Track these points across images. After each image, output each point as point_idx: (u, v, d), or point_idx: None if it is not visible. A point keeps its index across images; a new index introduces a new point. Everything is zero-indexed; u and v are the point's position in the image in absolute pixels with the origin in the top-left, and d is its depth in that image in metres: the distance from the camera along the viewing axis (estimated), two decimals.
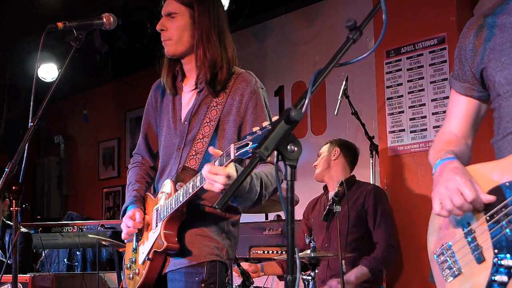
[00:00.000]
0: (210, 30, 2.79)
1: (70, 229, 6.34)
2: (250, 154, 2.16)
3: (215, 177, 2.33)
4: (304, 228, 4.86)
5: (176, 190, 2.69)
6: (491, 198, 1.90)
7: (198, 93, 2.85)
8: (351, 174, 4.83)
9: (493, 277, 1.88)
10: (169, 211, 2.68)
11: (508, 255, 1.86)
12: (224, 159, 2.31)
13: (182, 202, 2.60)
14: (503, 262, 1.87)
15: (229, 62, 2.81)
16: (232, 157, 2.25)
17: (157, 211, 2.81)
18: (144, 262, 2.81)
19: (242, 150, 2.18)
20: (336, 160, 4.79)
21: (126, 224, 2.86)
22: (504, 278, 1.86)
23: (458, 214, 1.96)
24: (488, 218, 1.92)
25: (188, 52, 2.84)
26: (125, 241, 3.06)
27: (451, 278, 2.05)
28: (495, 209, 1.90)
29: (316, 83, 1.61)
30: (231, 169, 2.34)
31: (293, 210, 1.56)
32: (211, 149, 2.42)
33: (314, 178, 4.85)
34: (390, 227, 4.61)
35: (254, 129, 2.17)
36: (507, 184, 1.89)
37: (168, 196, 2.74)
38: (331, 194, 4.73)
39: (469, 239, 1.98)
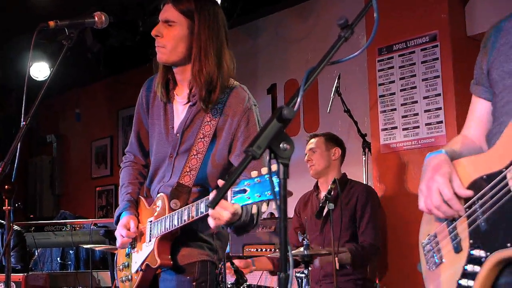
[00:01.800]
0: (208, 45, 2.71)
1: (63, 228, 6.33)
2: (248, 202, 2.13)
3: (222, 212, 2.35)
4: (296, 224, 4.86)
5: (170, 208, 2.69)
6: (469, 193, 1.96)
7: (191, 106, 2.81)
8: (342, 172, 4.85)
9: (465, 267, 1.93)
10: (163, 231, 2.68)
11: (480, 245, 1.90)
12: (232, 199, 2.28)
13: (176, 226, 2.61)
14: (474, 252, 1.91)
15: (224, 80, 2.75)
16: (228, 200, 2.24)
17: (150, 224, 2.80)
18: (137, 272, 2.84)
19: (239, 196, 2.15)
20: (336, 160, 4.79)
21: (120, 234, 2.84)
22: (476, 268, 1.90)
23: (437, 214, 2.03)
24: (466, 209, 1.97)
25: (180, 63, 2.77)
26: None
27: (434, 267, 2.11)
28: (471, 200, 1.95)
29: (308, 82, 1.62)
30: (237, 206, 2.33)
31: (286, 208, 1.56)
32: (219, 182, 2.38)
33: (313, 175, 4.82)
34: (376, 230, 4.62)
35: (253, 175, 2.12)
36: (484, 177, 1.93)
37: (161, 213, 2.74)
38: (323, 194, 4.70)
39: (451, 229, 2.03)
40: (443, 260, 2.06)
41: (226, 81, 2.77)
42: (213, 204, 1.56)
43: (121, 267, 2.99)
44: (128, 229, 2.82)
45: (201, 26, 2.71)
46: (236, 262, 4.49)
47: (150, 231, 2.79)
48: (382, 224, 4.84)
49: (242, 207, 2.36)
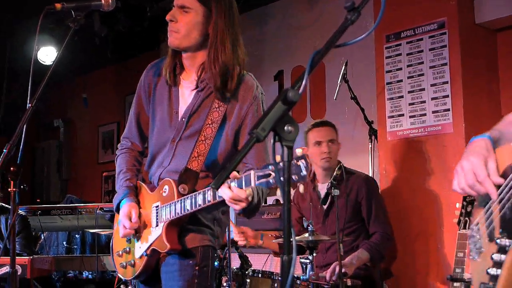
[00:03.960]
0: (225, 34, 2.74)
1: (69, 211, 6.35)
2: (272, 185, 2.16)
3: (241, 194, 2.40)
4: (298, 214, 4.79)
5: (179, 192, 2.69)
6: (500, 180, 1.94)
7: (198, 92, 2.83)
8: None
9: (492, 256, 1.92)
10: (173, 215, 2.68)
11: (506, 234, 1.89)
12: (243, 184, 2.32)
13: (189, 211, 2.61)
14: (500, 241, 1.90)
15: (240, 69, 2.79)
16: (252, 184, 2.26)
17: (157, 209, 2.80)
18: (141, 257, 2.83)
19: (263, 181, 2.17)
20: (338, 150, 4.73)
21: (123, 225, 2.83)
22: (503, 257, 1.88)
23: (471, 192, 1.99)
24: (499, 197, 1.95)
25: (192, 49, 2.81)
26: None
27: (476, 257, 2.08)
28: (502, 187, 1.93)
29: (314, 64, 1.61)
30: (250, 191, 2.41)
31: (289, 191, 1.56)
32: (233, 175, 2.40)
33: (326, 168, 4.58)
34: (385, 219, 4.61)
35: (278, 159, 2.14)
36: None
37: (169, 197, 2.73)
38: (321, 186, 4.64)
39: (487, 217, 2.02)
40: (482, 249, 2.03)
41: (241, 72, 2.80)
42: (217, 184, 1.56)
43: (120, 252, 2.98)
44: (130, 219, 2.82)
45: (218, 14, 2.75)
46: (247, 230, 4.43)
47: (157, 216, 2.79)
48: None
49: (253, 190, 2.42)
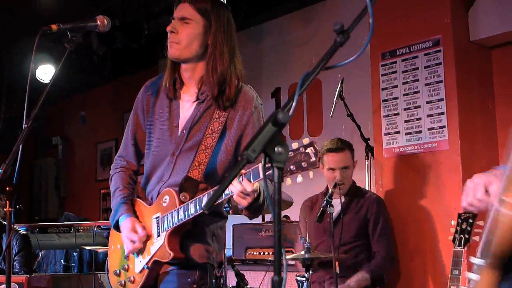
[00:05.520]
0: (224, 46, 2.79)
1: (67, 229, 6.35)
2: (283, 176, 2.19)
3: (248, 187, 2.42)
4: (304, 231, 4.81)
5: (180, 201, 2.70)
6: None
7: (199, 104, 2.85)
8: None
9: None
10: (176, 222, 2.68)
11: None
12: (251, 178, 2.38)
13: (193, 214, 2.62)
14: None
15: (238, 79, 2.83)
16: (261, 176, 2.33)
17: (157, 220, 2.80)
18: (141, 271, 2.82)
19: (271, 172, 2.20)
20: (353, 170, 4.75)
21: (130, 239, 2.80)
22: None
23: (470, 209, 2.08)
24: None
25: (192, 60, 2.84)
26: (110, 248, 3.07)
27: None
28: None
29: (304, 86, 1.63)
30: (257, 185, 2.46)
31: (280, 211, 1.57)
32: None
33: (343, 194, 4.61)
34: (390, 240, 4.65)
35: (294, 146, 2.18)
36: None
37: (170, 206, 2.73)
38: (336, 202, 4.54)
39: None
40: None
41: (240, 82, 2.85)
42: (208, 206, 1.57)
43: (118, 271, 2.96)
44: (137, 233, 2.80)
45: (217, 26, 2.80)
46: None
47: (158, 226, 2.78)
48: None
49: (260, 187, 2.46)
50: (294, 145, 2.12)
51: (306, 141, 1.88)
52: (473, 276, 1.94)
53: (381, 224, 4.59)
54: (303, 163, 1.84)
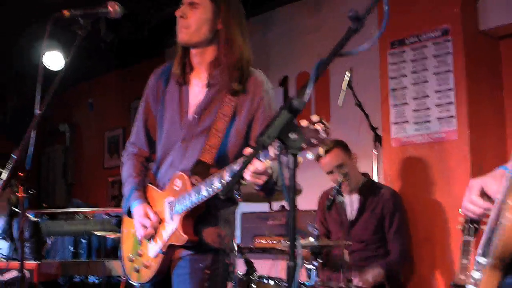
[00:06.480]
0: (235, 30, 2.83)
1: (75, 217, 6.38)
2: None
3: (261, 175, 2.45)
4: (322, 219, 4.83)
5: (192, 184, 2.72)
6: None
7: (209, 88, 2.87)
8: (363, 172, 4.83)
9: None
10: (189, 205, 2.70)
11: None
12: (262, 157, 2.38)
13: (206, 197, 2.63)
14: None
15: (249, 63, 2.85)
16: (271, 154, 2.32)
17: (170, 204, 2.82)
18: (157, 256, 2.84)
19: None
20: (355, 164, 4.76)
21: (143, 224, 2.83)
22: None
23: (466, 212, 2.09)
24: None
25: (201, 45, 2.86)
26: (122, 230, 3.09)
27: None
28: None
29: (319, 73, 1.64)
30: (269, 163, 2.45)
31: (294, 197, 1.59)
32: (246, 150, 2.46)
33: (348, 190, 4.66)
34: (405, 237, 4.66)
35: (304, 124, 2.18)
36: None
37: (182, 190, 2.75)
38: (347, 197, 4.66)
39: None
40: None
41: (250, 66, 2.87)
42: (224, 192, 1.59)
43: (131, 256, 2.98)
44: (149, 219, 2.83)
45: (228, 11, 2.84)
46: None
47: (171, 210, 2.80)
48: None
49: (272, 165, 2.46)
50: (303, 123, 2.12)
51: (315, 117, 1.88)
52: (475, 274, 1.94)
53: (397, 222, 4.59)
54: (312, 140, 1.85)
